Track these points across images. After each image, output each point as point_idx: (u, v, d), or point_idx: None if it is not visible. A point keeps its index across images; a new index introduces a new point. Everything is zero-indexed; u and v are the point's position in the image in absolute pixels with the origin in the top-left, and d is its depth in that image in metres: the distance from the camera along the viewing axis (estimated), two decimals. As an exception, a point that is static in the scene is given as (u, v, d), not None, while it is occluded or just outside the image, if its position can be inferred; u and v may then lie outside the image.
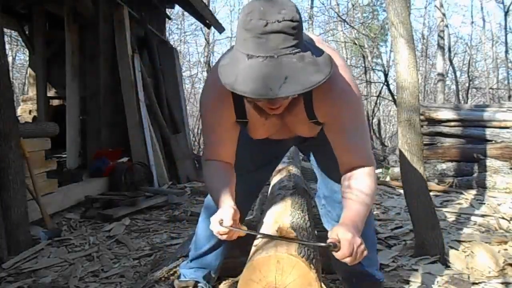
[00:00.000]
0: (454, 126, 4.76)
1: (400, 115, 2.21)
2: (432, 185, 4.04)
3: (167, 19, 7.22)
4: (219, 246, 1.69)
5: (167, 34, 7.47)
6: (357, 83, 1.35)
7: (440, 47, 9.34)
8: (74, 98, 4.91)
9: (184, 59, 13.67)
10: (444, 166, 4.54)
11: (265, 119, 1.23)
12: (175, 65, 6.23)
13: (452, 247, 2.30)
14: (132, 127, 4.78)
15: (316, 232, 1.69)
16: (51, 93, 6.29)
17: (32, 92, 6.68)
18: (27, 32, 6.46)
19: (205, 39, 12.31)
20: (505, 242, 2.40)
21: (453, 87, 12.09)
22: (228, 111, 1.28)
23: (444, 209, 3.26)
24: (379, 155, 6.48)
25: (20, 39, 8.46)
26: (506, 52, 11.17)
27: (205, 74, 12.20)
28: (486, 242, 2.35)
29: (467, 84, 11.83)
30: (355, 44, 11.09)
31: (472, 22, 16.62)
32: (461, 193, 3.89)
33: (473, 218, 3.01)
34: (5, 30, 5.89)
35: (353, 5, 11.54)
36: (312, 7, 12.69)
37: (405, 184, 2.21)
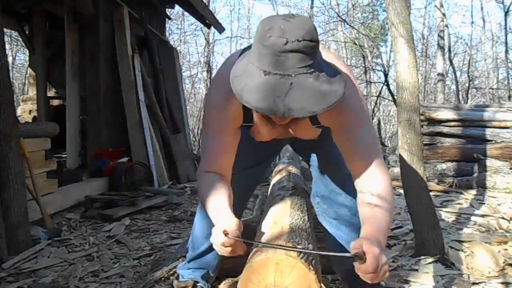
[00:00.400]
0: (454, 126, 4.77)
1: (400, 115, 2.21)
2: (432, 185, 4.03)
3: (167, 19, 7.22)
4: None
5: (167, 34, 7.47)
6: (358, 84, 1.35)
7: (440, 47, 9.34)
8: (74, 98, 4.91)
9: (184, 59, 13.67)
10: (444, 166, 4.54)
11: (272, 127, 1.25)
12: (175, 65, 6.22)
13: (452, 247, 2.30)
14: (132, 127, 4.78)
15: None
16: (51, 93, 6.30)
17: (32, 92, 6.68)
18: (27, 32, 6.46)
19: (205, 39, 12.30)
20: (505, 242, 2.40)
21: (453, 87, 12.09)
22: (236, 115, 1.27)
23: (444, 209, 3.26)
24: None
25: (20, 39, 8.46)
26: (506, 52, 11.17)
27: (205, 74, 12.18)
28: (486, 242, 2.35)
29: (467, 84, 11.83)
30: (355, 44, 11.08)
31: (472, 22, 16.59)
32: (461, 193, 3.89)
33: (473, 218, 3.01)
34: (5, 30, 5.89)
35: (353, 5, 11.52)
36: (312, 7, 12.66)
37: (405, 184, 2.21)
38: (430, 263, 2.08)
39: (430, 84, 13.84)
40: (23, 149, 2.78)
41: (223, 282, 1.90)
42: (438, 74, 9.73)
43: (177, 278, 1.81)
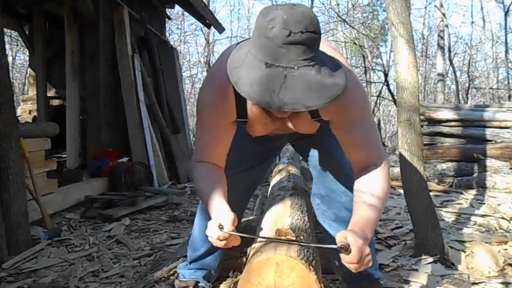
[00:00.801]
0: (454, 126, 4.77)
1: (400, 115, 2.20)
2: (432, 185, 4.03)
3: (167, 19, 7.21)
4: (217, 248, 1.68)
5: (167, 34, 7.46)
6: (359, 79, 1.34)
7: (440, 47, 9.34)
8: (74, 98, 4.90)
9: (184, 59, 13.69)
10: (444, 166, 4.54)
11: (271, 120, 1.22)
12: (175, 65, 6.22)
13: (452, 247, 2.30)
14: (132, 127, 4.78)
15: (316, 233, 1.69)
16: (51, 93, 6.29)
17: (32, 92, 6.68)
18: (27, 32, 6.46)
19: (205, 39, 12.32)
20: (505, 242, 2.39)
21: (453, 87, 12.09)
22: (229, 110, 1.25)
23: (444, 209, 3.25)
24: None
25: (20, 39, 8.46)
26: (506, 52, 11.17)
27: (205, 74, 12.19)
28: (486, 242, 2.34)
29: (467, 84, 11.83)
30: (355, 44, 11.09)
31: (472, 22, 16.67)
32: (461, 193, 3.89)
33: (473, 218, 3.00)
34: (5, 30, 5.89)
35: (353, 5, 11.53)
36: (312, 7, 12.67)
37: (405, 184, 2.21)
38: (430, 263, 2.08)
39: (430, 84, 13.85)
40: (23, 149, 2.78)
41: (224, 282, 1.89)
42: (438, 74, 9.73)
43: (177, 277, 1.81)
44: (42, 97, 5.90)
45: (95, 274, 2.24)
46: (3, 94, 2.44)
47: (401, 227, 2.79)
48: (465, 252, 2.25)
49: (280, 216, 1.42)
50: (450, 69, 11.55)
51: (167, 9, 7.15)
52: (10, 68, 4.60)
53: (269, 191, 2.33)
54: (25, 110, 6.76)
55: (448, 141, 4.79)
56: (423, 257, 2.13)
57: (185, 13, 9.95)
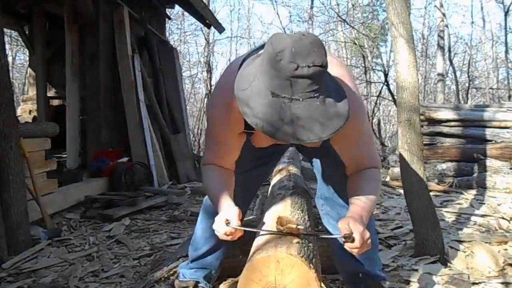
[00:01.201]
0: (454, 126, 4.77)
1: (400, 115, 2.21)
2: (432, 185, 4.04)
3: (167, 19, 7.22)
4: (219, 247, 1.69)
5: (167, 34, 7.47)
6: (357, 84, 1.36)
7: (440, 47, 9.34)
8: (74, 98, 4.91)
9: (184, 59, 13.67)
10: (444, 166, 4.54)
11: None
12: (175, 65, 6.23)
13: (452, 247, 2.30)
14: (132, 127, 4.78)
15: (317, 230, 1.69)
16: (51, 93, 6.30)
17: (32, 92, 6.68)
18: (27, 32, 6.46)
19: (205, 39, 12.30)
20: (505, 242, 2.40)
21: (453, 87, 12.09)
22: (237, 122, 1.30)
23: (444, 209, 3.26)
24: (379, 155, 6.48)
25: (20, 39, 8.46)
26: (506, 52, 11.16)
27: (205, 74, 12.18)
28: (486, 242, 2.35)
29: (467, 84, 11.82)
30: (355, 44, 11.07)
31: (472, 22, 16.55)
32: (461, 193, 3.89)
33: (473, 218, 3.01)
34: (5, 30, 5.89)
35: (353, 5, 11.52)
36: (312, 7, 12.69)
37: (405, 184, 2.21)
38: (430, 263, 2.08)
39: (430, 84, 13.84)
40: (23, 149, 2.78)
41: (224, 282, 1.90)
42: (438, 74, 9.73)
43: (178, 277, 1.81)
44: (42, 97, 5.90)
45: (95, 274, 2.24)
46: (3, 94, 2.45)
47: (401, 227, 2.79)
48: (465, 252, 2.25)
49: (281, 215, 1.42)
50: (450, 69, 11.54)
51: (167, 9, 7.16)
52: (10, 68, 4.60)
53: (269, 191, 2.33)
54: (25, 110, 6.76)
55: (448, 141, 4.80)
56: (423, 257, 2.13)
57: (185, 13, 9.95)
